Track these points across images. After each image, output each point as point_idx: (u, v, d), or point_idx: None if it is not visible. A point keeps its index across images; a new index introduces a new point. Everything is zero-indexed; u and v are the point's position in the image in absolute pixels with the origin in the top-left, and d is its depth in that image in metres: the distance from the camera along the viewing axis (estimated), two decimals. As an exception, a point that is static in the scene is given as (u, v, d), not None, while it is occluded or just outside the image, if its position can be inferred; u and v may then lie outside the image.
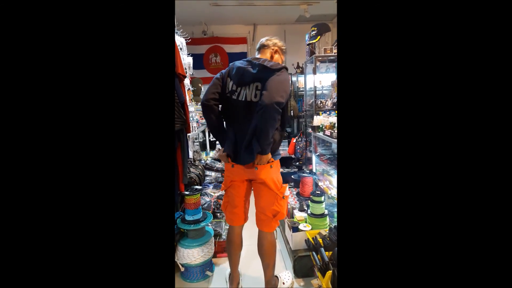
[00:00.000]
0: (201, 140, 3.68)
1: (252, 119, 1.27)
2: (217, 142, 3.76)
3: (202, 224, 1.70)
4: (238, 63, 1.34)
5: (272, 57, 1.38)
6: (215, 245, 1.83)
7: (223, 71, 1.39)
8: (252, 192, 1.45)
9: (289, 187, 2.58)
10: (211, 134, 1.63)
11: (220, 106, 1.39)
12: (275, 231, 1.48)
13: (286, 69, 1.28)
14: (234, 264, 1.52)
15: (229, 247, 1.51)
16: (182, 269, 1.68)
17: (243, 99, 1.30)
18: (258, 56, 1.39)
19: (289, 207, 2.08)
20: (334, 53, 2.45)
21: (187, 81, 2.09)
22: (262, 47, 1.41)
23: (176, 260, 1.68)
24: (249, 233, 1.58)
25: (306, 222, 1.85)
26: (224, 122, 1.42)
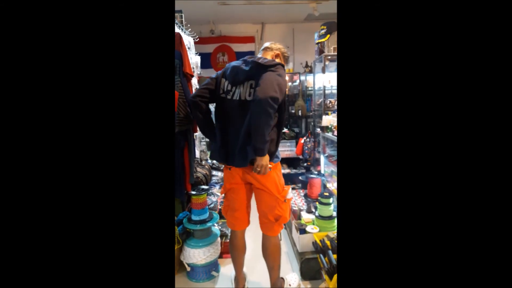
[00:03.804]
0: (208, 140, 3.68)
1: (246, 119, 1.23)
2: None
3: (208, 224, 1.70)
4: (234, 63, 1.31)
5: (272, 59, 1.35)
6: (221, 245, 1.82)
7: (219, 71, 1.38)
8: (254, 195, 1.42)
9: (295, 188, 2.57)
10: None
11: (208, 104, 1.37)
12: (279, 234, 1.46)
13: (282, 66, 1.24)
14: (238, 267, 1.51)
15: (232, 251, 1.49)
16: (189, 268, 1.68)
17: (237, 98, 1.27)
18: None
19: (296, 208, 2.06)
20: (344, 52, 2.39)
21: (194, 81, 2.08)
22: (265, 49, 1.40)
23: (182, 259, 1.68)
24: (254, 236, 1.57)
25: (313, 224, 1.82)
26: (216, 125, 1.38)
